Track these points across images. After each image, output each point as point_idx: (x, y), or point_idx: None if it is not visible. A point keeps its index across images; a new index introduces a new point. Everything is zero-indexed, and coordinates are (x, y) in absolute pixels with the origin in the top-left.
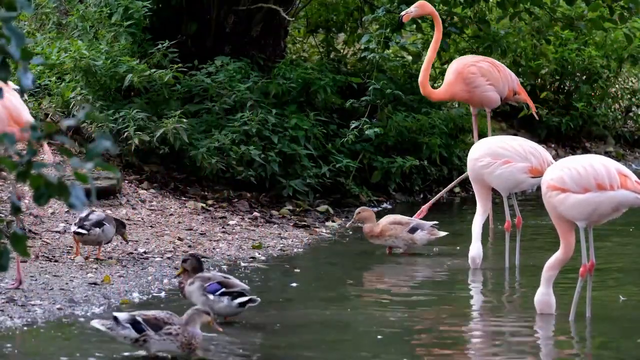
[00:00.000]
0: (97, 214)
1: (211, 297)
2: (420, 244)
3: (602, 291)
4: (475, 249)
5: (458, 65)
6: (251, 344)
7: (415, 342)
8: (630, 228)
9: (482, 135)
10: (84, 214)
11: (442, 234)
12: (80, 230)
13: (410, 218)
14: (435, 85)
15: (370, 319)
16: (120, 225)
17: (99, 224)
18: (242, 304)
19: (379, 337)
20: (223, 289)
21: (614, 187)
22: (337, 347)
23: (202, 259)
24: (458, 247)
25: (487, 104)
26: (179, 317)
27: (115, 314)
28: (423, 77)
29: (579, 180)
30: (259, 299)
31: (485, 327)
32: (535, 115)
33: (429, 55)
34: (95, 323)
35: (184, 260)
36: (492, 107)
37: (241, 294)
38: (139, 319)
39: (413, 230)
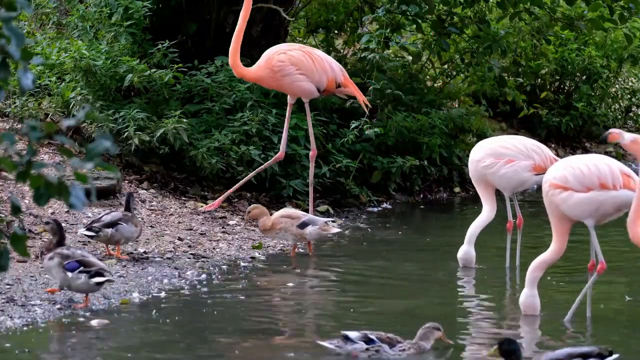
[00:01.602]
0: (113, 214)
1: (70, 274)
2: (311, 239)
3: (606, 292)
4: (464, 251)
5: (270, 51)
6: (245, 342)
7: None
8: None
9: (482, 136)
10: (97, 215)
11: (335, 230)
12: (87, 232)
13: (303, 213)
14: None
15: (367, 319)
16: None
17: (111, 224)
18: (99, 284)
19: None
20: (82, 267)
21: (617, 187)
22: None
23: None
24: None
25: (301, 94)
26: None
27: (345, 332)
28: (233, 48)
29: (582, 179)
30: (114, 279)
31: (485, 327)
32: (365, 108)
33: (239, 25)
34: (323, 342)
35: (47, 223)
36: (308, 97)
37: (99, 273)
38: (372, 336)
39: (303, 225)
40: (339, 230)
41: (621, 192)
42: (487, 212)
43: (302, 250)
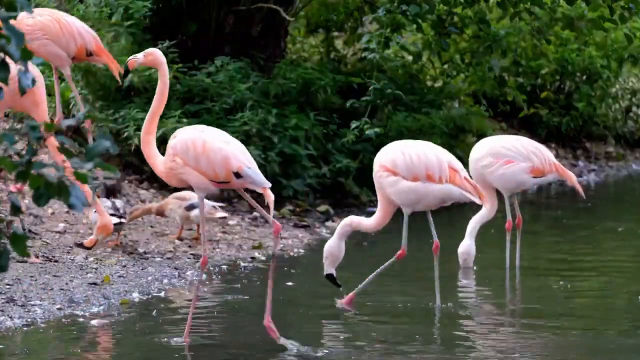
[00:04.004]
0: (117, 201)
1: None
2: (196, 222)
3: (614, 291)
4: (466, 245)
5: (20, 16)
6: (246, 343)
7: (410, 343)
8: (619, 227)
9: (482, 136)
10: (109, 203)
11: (222, 214)
12: (122, 220)
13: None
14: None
15: (368, 319)
16: None
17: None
18: None
19: (373, 335)
20: None
21: (443, 180)
22: (325, 348)
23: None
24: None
25: (49, 58)
26: None
27: None
28: None
29: (410, 167)
30: None
31: (485, 326)
32: (118, 79)
33: None
34: None
35: None
36: (59, 64)
37: None
38: None
39: (191, 207)
40: (224, 215)
41: (445, 186)
42: (487, 210)
43: (302, 251)
